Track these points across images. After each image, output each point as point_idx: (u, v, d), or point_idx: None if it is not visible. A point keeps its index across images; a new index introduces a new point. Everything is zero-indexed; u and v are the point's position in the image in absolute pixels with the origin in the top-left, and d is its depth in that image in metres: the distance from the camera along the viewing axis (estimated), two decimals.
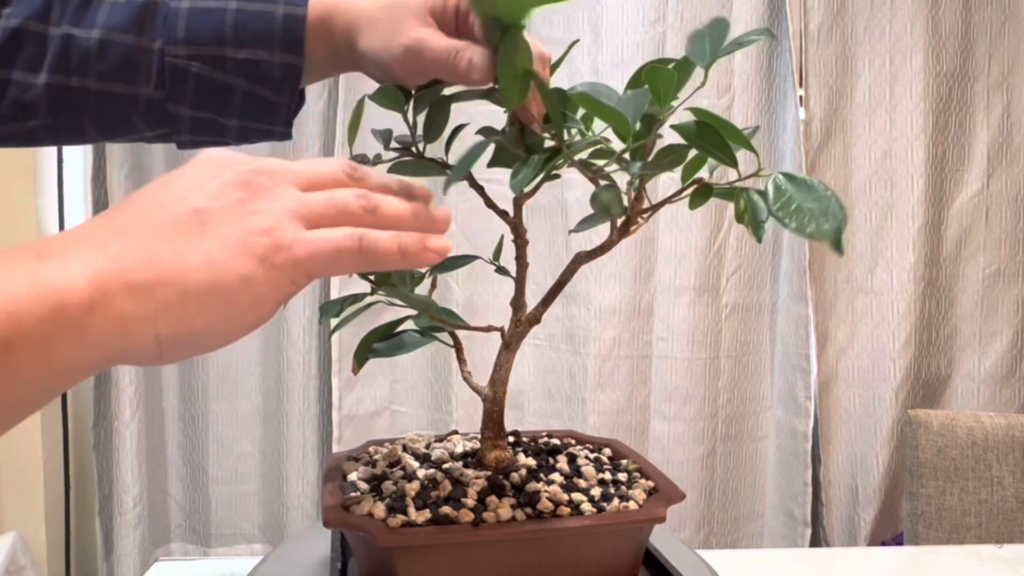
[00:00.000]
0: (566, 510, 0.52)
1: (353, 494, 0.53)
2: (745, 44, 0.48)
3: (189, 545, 1.76)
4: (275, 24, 0.52)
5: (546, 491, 0.53)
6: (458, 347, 0.59)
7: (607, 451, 0.65)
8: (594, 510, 0.52)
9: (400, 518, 0.49)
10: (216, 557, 1.71)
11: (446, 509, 0.50)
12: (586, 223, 0.55)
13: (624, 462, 0.62)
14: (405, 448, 0.62)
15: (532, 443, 0.65)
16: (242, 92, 0.53)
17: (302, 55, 0.53)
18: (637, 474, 0.60)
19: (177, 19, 0.52)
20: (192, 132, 0.56)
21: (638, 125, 0.46)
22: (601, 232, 0.53)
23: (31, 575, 1.51)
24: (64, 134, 0.56)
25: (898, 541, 1.67)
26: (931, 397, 1.74)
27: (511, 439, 0.64)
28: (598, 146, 0.49)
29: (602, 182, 0.49)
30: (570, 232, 0.56)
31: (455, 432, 0.66)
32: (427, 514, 0.50)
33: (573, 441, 0.67)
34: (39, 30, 0.52)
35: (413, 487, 0.53)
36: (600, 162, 0.50)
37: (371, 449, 0.62)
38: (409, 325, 0.57)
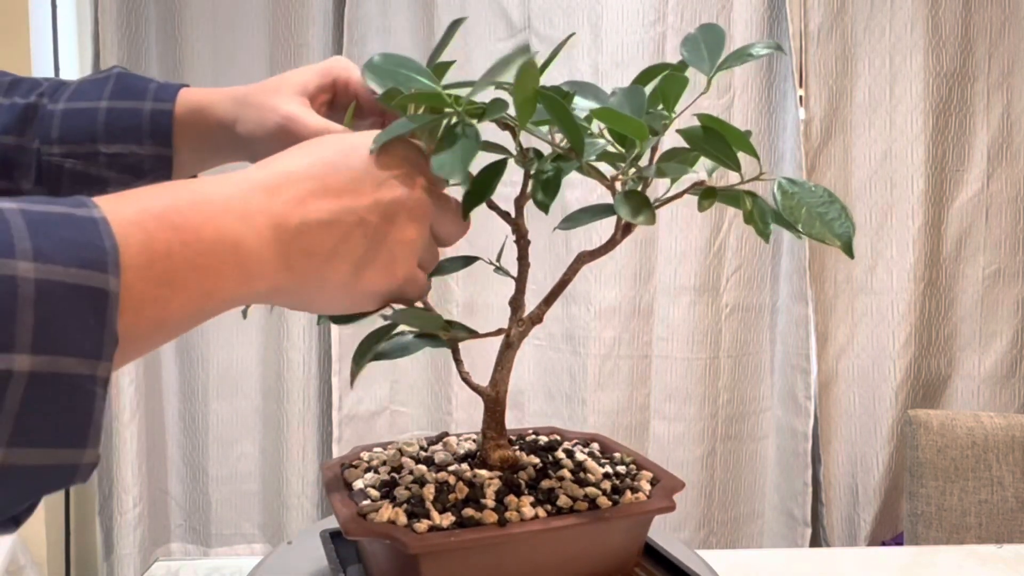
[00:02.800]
0: (583, 505, 0.53)
1: (365, 502, 0.52)
2: (753, 57, 0.48)
3: (189, 545, 1.76)
4: (143, 119, 0.56)
5: (561, 487, 0.54)
6: (454, 348, 0.59)
7: (595, 445, 0.66)
8: (610, 503, 0.53)
9: (426, 523, 0.49)
10: (216, 557, 1.71)
11: (469, 511, 0.50)
12: (571, 221, 0.56)
13: (617, 455, 0.63)
14: (401, 452, 0.62)
15: (521, 441, 0.65)
16: (116, 183, 0.57)
17: (170, 147, 0.57)
18: (634, 466, 0.61)
19: (52, 120, 0.56)
20: None
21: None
22: (601, 231, 0.53)
23: (31, 575, 1.51)
24: None
25: (898, 541, 1.67)
26: (931, 397, 1.74)
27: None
28: (606, 149, 0.49)
29: (619, 187, 0.50)
30: (555, 229, 0.56)
31: (446, 434, 0.66)
32: (450, 517, 0.50)
33: (558, 437, 0.67)
34: None
35: (429, 491, 0.52)
36: (606, 166, 0.50)
37: (363, 455, 0.62)
38: (406, 328, 0.57)
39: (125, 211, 0.32)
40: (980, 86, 1.69)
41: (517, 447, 0.62)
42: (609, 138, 0.50)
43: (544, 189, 0.49)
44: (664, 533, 0.62)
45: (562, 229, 0.56)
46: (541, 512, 0.51)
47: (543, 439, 0.66)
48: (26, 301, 0.27)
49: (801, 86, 1.66)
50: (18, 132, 0.56)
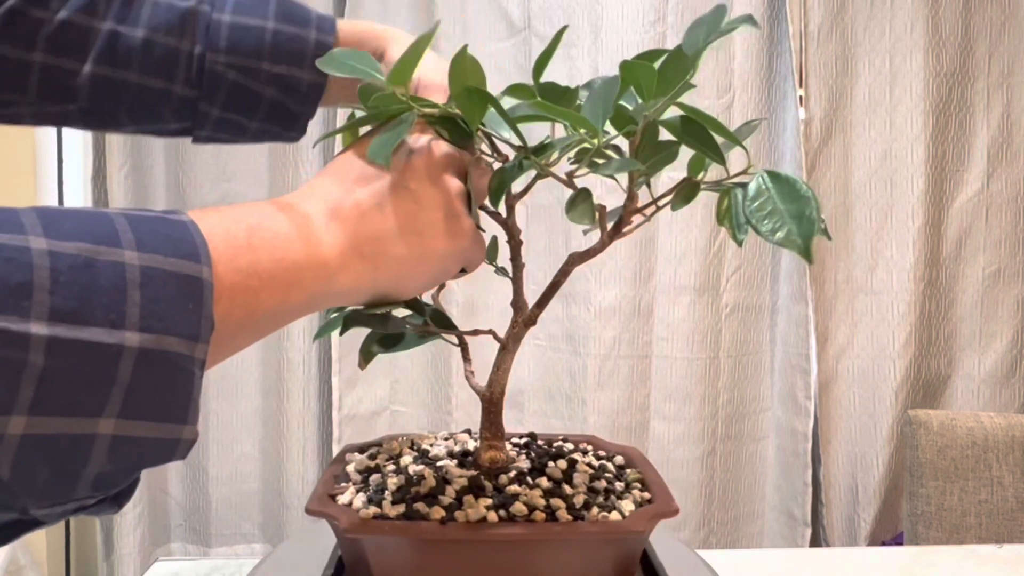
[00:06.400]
0: (541, 515, 0.50)
1: (343, 484, 0.53)
2: (728, 31, 0.45)
3: (189, 545, 1.76)
4: (308, 46, 0.60)
5: (524, 495, 0.51)
6: (464, 346, 0.59)
7: (619, 459, 0.62)
8: (570, 518, 0.50)
9: (373, 510, 0.49)
10: (216, 557, 1.71)
11: (419, 505, 0.49)
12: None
13: (628, 471, 0.60)
14: (413, 444, 0.62)
15: (547, 446, 0.63)
16: (270, 100, 0.61)
17: (326, 76, 0.61)
18: (637, 484, 0.57)
19: (220, 30, 0.59)
20: (214, 130, 0.63)
21: (608, 124, 0.45)
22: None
23: (31, 575, 1.51)
24: (96, 119, 0.62)
25: (898, 541, 1.67)
26: (931, 397, 1.74)
27: (525, 440, 0.64)
28: (581, 145, 0.47)
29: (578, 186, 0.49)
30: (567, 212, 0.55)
31: (467, 431, 0.66)
32: (401, 508, 0.50)
33: (588, 446, 0.64)
34: (85, 23, 0.58)
35: (396, 481, 0.53)
36: (570, 163, 0.50)
37: (384, 443, 0.63)
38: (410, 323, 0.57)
39: (205, 218, 0.36)
40: (980, 86, 1.69)
41: (526, 451, 0.62)
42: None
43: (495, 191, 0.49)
44: (663, 533, 0.61)
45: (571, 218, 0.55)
46: (493, 516, 0.49)
47: (569, 446, 0.64)
48: (133, 284, 0.30)
49: (801, 86, 1.66)
50: (179, 35, 0.59)
